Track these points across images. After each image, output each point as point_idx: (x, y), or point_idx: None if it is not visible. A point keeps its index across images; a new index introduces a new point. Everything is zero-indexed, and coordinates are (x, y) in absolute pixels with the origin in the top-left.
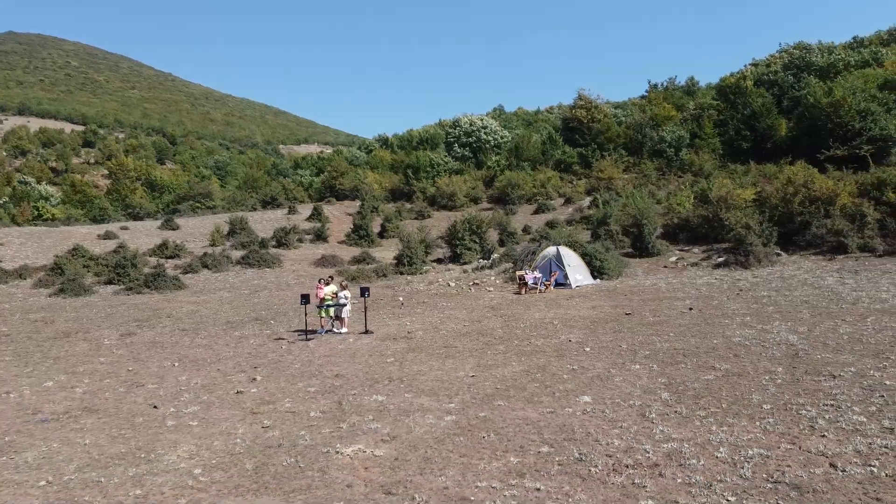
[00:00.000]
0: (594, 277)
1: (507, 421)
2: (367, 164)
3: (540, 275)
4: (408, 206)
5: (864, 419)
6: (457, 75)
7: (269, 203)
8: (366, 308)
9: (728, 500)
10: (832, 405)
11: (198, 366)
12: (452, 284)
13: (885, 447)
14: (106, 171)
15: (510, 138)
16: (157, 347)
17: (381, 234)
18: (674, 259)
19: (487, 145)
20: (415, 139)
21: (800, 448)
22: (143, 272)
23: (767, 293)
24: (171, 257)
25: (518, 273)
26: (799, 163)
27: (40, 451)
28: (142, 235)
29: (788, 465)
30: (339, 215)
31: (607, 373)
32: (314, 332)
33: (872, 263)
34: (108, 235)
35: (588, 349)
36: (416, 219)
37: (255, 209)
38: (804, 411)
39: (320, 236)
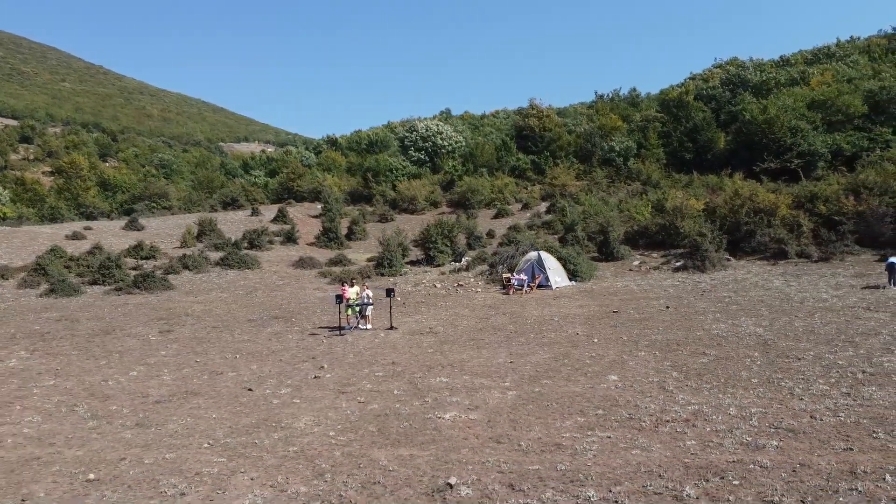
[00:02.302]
0: (570, 280)
1: (559, 394)
2: (319, 166)
3: (525, 277)
4: (368, 208)
5: (828, 388)
6: (401, 76)
7: (230, 204)
8: (391, 307)
9: (747, 439)
10: (802, 379)
11: (258, 358)
12: (438, 285)
13: (847, 405)
14: (48, 168)
15: (464, 144)
16: (204, 343)
17: (349, 237)
18: (637, 263)
19: (443, 150)
20: (364, 141)
21: (786, 407)
22: (127, 273)
23: (727, 294)
24: (146, 258)
25: (505, 275)
26: (737, 174)
27: (179, 424)
28: (108, 236)
29: (782, 418)
30: (302, 217)
31: (621, 358)
32: (342, 328)
33: (810, 268)
34: (76, 236)
35: (596, 340)
36: (379, 221)
37: (215, 210)
38: (783, 383)
39: (290, 238)
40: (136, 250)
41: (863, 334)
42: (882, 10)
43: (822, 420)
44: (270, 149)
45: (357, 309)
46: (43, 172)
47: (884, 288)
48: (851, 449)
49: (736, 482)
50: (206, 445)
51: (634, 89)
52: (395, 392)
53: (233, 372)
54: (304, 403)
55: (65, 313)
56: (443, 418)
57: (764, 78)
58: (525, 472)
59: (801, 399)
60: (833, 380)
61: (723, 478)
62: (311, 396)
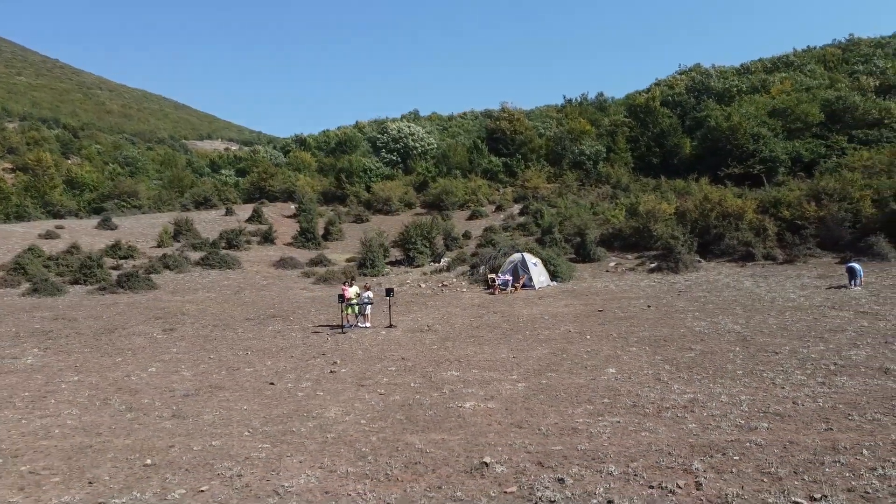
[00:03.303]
0: (551, 280)
1: (565, 385)
2: (289, 165)
3: (510, 277)
4: (342, 209)
5: (805, 378)
6: (368, 75)
7: (203, 203)
8: (390, 306)
9: (740, 422)
10: (782, 370)
11: (269, 354)
12: (423, 285)
13: (823, 392)
14: (9, 165)
15: (436, 146)
16: (211, 341)
17: (325, 237)
18: (613, 264)
19: (415, 151)
20: (332, 140)
21: (771, 395)
22: (108, 273)
23: (702, 294)
24: (124, 258)
25: (490, 276)
26: (703, 179)
27: (213, 415)
28: (82, 235)
29: (769, 404)
30: (276, 217)
31: (615, 353)
32: (341, 326)
33: (776, 270)
34: (49, 235)
35: (588, 337)
36: (354, 222)
37: (187, 209)
38: (765, 374)
39: (268, 238)
40: (114, 250)
41: (831, 331)
42: (835, 20)
43: (803, 405)
44: (235, 147)
45: (357, 308)
46: (3, 169)
47: (845, 289)
48: (831, 429)
49: (736, 457)
50: (246, 433)
51: (601, 94)
52: (412, 385)
53: (249, 368)
54: (328, 396)
55: (58, 312)
56: (463, 407)
57: (727, 85)
58: (550, 452)
59: (783, 388)
60: (809, 371)
61: (724, 454)
62: (332, 389)
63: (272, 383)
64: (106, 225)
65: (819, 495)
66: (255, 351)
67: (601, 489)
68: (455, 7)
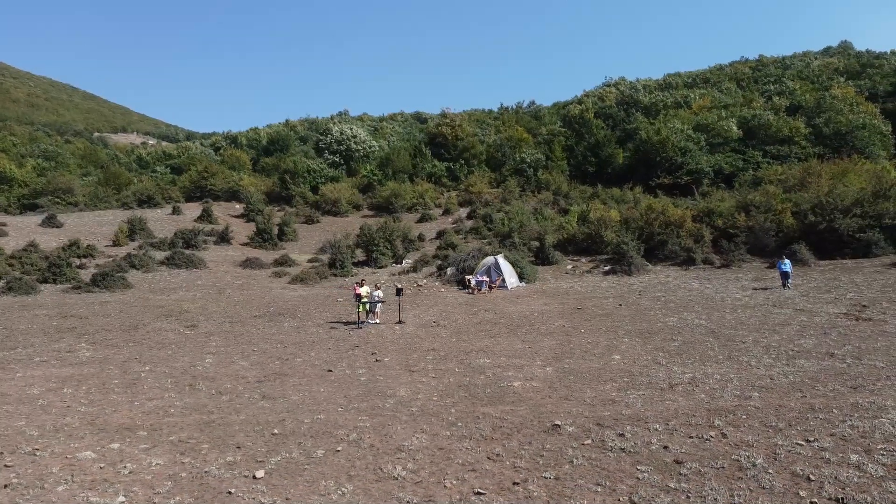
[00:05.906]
0: (520, 281)
1: (585, 369)
2: (224, 164)
3: (486, 278)
4: (289, 209)
5: (772, 361)
6: (294, 73)
7: (147, 202)
8: (399, 304)
9: (737, 393)
10: (753, 355)
11: (306, 347)
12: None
13: (791, 371)
14: None
15: (378, 148)
16: (241, 336)
17: (279, 237)
18: (570, 267)
19: (357, 154)
20: (264, 138)
21: (751, 374)
22: (77, 272)
23: (660, 294)
24: (84, 257)
25: (467, 277)
26: (637, 188)
27: (298, 396)
28: (28, 233)
29: (753, 380)
30: (224, 216)
31: (612, 344)
32: (357, 323)
33: (716, 273)
34: None
35: (583, 331)
36: (305, 223)
37: (129, 207)
38: (742, 359)
39: (224, 238)
40: (72, 248)
41: (779, 325)
42: (741, 37)
43: (779, 381)
44: (152, 141)
45: (367, 306)
46: None
47: (779, 290)
48: (805, 396)
49: (744, 416)
50: (339, 409)
51: (534, 102)
52: (457, 370)
53: (298, 358)
54: (388, 380)
55: (59, 311)
56: (513, 386)
57: (653, 100)
58: (602, 417)
59: (758, 368)
60: (774, 356)
61: (734, 415)
62: (388, 374)
63: (330, 370)
64: (51, 223)
65: (812, 438)
66: (291, 344)
67: (655, 439)
68: (387, 6)
